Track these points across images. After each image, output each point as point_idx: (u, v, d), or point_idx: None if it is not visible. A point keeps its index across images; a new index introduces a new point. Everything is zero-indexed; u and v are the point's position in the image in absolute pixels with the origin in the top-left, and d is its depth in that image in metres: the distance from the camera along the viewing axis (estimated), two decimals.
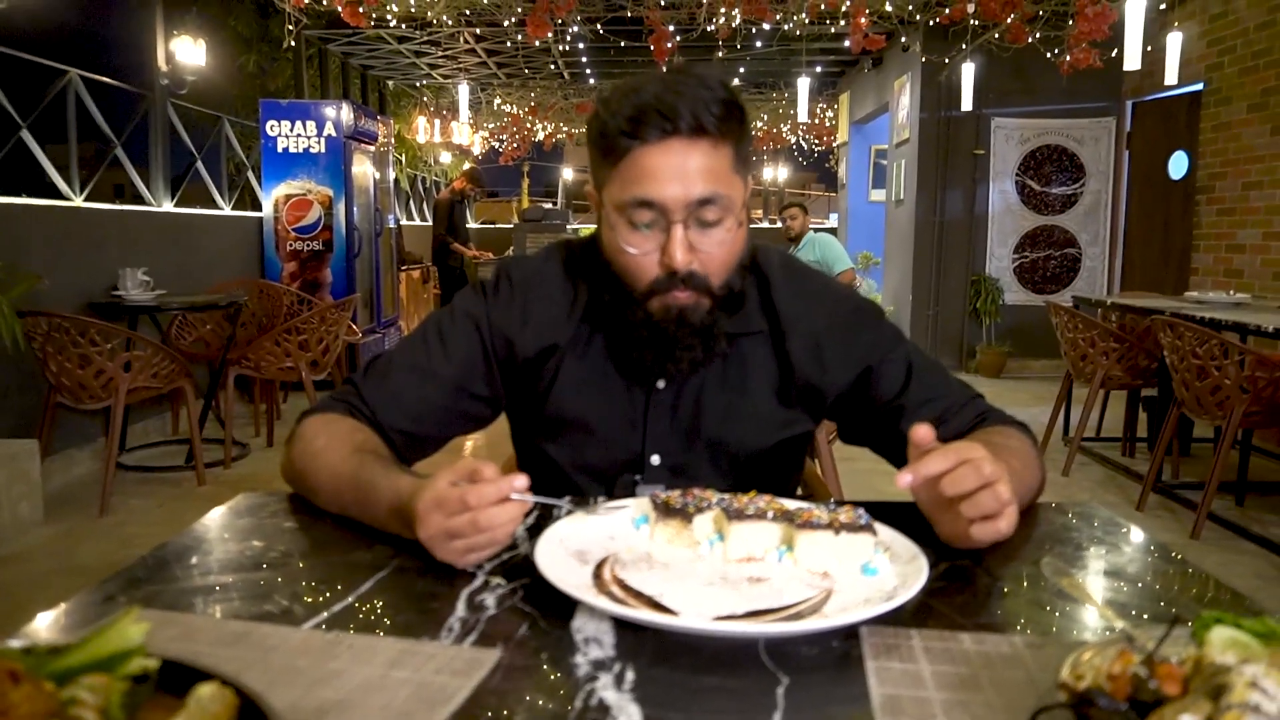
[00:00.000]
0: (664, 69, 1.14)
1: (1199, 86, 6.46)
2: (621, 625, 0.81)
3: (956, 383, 1.31)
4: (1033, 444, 1.22)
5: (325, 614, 0.84)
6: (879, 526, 0.95)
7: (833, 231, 12.46)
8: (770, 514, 0.95)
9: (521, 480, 0.92)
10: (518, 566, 0.96)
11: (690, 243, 1.13)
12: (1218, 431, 3.75)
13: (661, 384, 1.26)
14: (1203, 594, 0.92)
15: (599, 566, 0.91)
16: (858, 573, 0.90)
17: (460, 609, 0.85)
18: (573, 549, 0.96)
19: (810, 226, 7.15)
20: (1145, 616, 0.85)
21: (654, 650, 0.77)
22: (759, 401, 1.28)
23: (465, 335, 1.27)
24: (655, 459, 1.28)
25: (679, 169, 1.10)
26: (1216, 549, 3.60)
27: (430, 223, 9.25)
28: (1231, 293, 5.00)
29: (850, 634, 0.80)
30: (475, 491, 0.90)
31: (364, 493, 1.05)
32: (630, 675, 0.73)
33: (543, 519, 1.10)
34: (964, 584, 0.93)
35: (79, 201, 5.15)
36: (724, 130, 1.11)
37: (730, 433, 1.28)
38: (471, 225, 11.25)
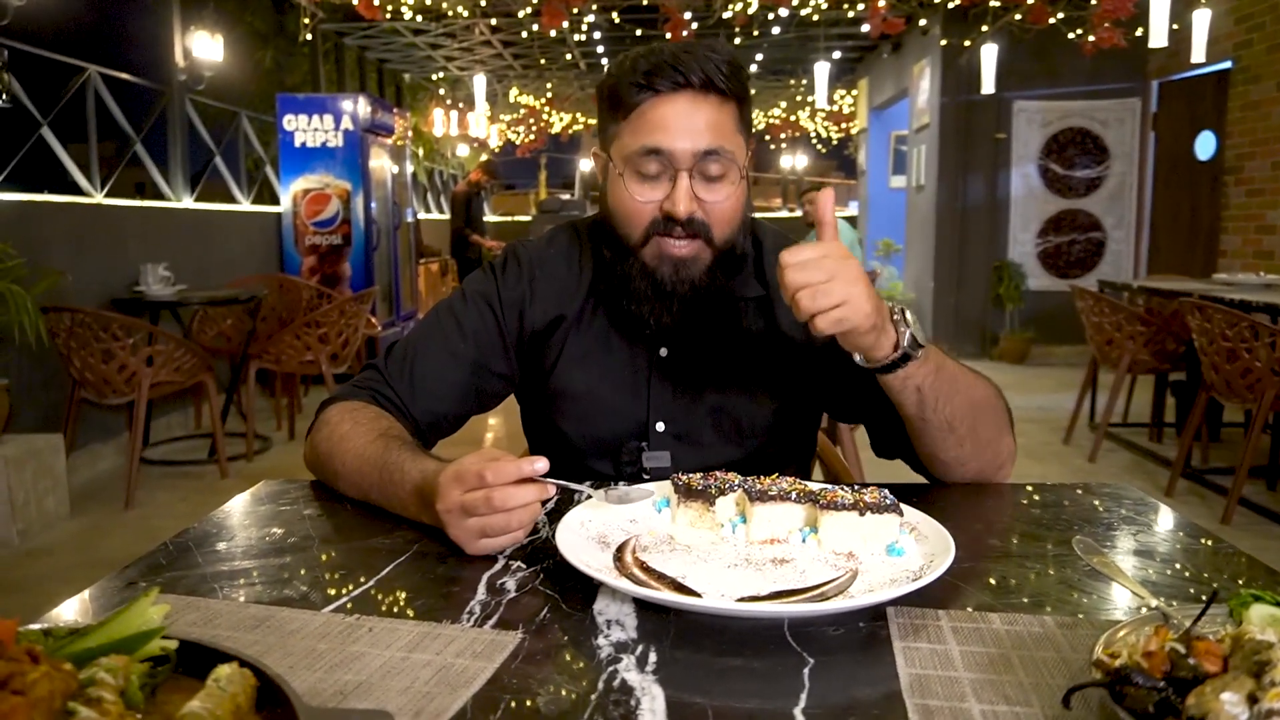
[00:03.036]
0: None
1: (1227, 65, 6.35)
2: (644, 607, 0.80)
3: None
4: (1002, 398, 1.19)
5: (345, 599, 0.84)
6: (904, 507, 0.94)
7: (852, 220, 12.37)
8: (794, 495, 0.94)
9: (542, 463, 0.91)
10: (538, 550, 0.95)
11: (695, 194, 1.16)
12: (1248, 415, 3.69)
13: (664, 351, 1.29)
14: (1238, 573, 0.90)
15: (620, 549, 0.91)
16: (883, 553, 0.89)
17: (481, 592, 0.85)
18: (594, 532, 0.95)
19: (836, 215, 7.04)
20: (1179, 597, 0.83)
21: (677, 632, 0.76)
22: (756, 367, 1.30)
23: (479, 314, 1.31)
24: (660, 425, 1.29)
25: (688, 120, 1.14)
26: (1248, 534, 3.55)
27: (448, 216, 9.27)
28: (1262, 274, 4.91)
29: (877, 615, 0.78)
30: (494, 467, 0.91)
31: (389, 475, 1.06)
32: (653, 657, 0.72)
33: (563, 504, 1.09)
34: (993, 564, 0.92)
35: (100, 198, 5.19)
36: (731, 89, 1.16)
37: (730, 397, 1.29)
38: (489, 218, 11.26)
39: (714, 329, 1.28)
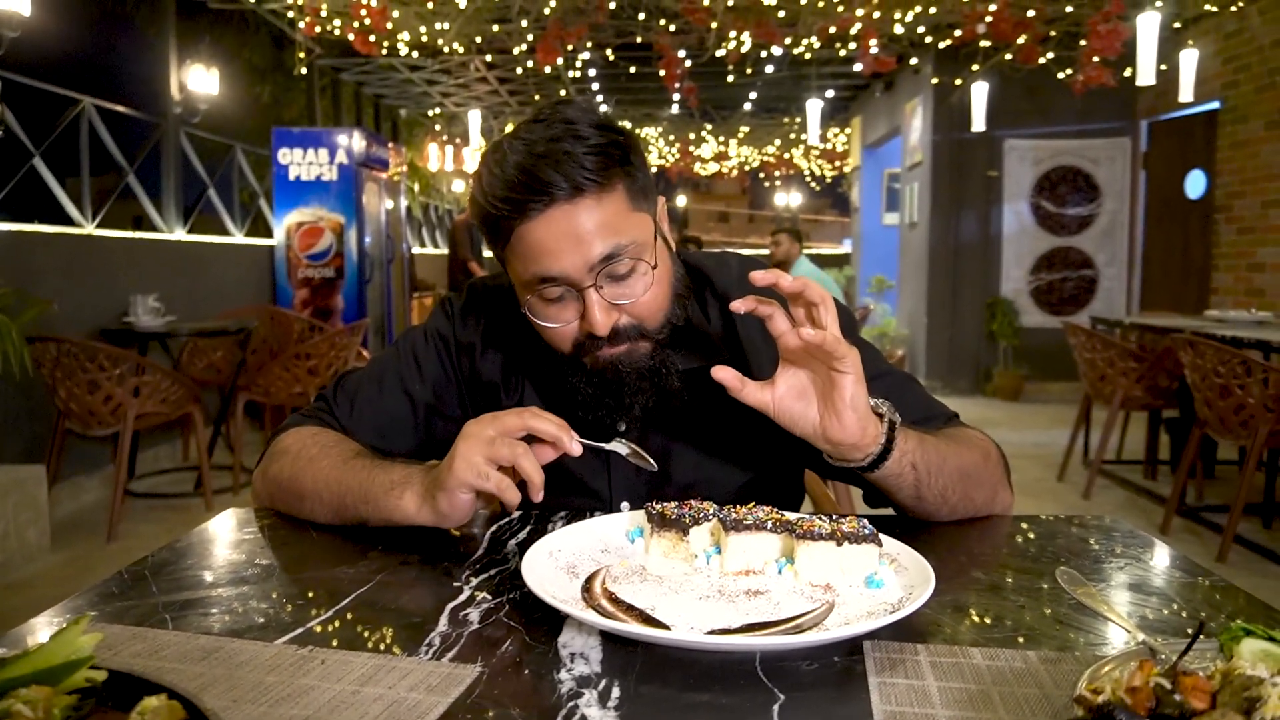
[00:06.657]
0: (539, 117, 1.04)
1: (1215, 105, 6.41)
2: (610, 640, 0.77)
3: (934, 401, 1.22)
4: (995, 451, 1.15)
5: (301, 629, 0.80)
6: (884, 538, 0.91)
7: (845, 258, 12.40)
8: (770, 525, 0.91)
9: (576, 446, 0.97)
10: (505, 581, 0.92)
11: (609, 302, 1.06)
12: (1242, 452, 3.67)
13: (623, 427, 1.18)
14: (1230, 607, 0.87)
15: (590, 580, 0.87)
16: (862, 585, 0.85)
17: (442, 624, 0.81)
18: (563, 563, 0.92)
19: (805, 252, 6.84)
20: (1172, 634, 0.80)
21: (644, 666, 0.72)
22: (734, 438, 1.19)
23: (435, 355, 1.25)
24: (625, 505, 1.19)
25: (570, 236, 1.01)
26: (1244, 573, 3.50)
27: (444, 249, 9.28)
28: (1253, 311, 4.91)
29: (853, 648, 0.75)
30: (534, 411, 0.97)
31: (378, 475, 1.04)
32: (616, 692, 0.68)
33: (534, 534, 1.06)
34: (975, 596, 0.88)
35: (91, 229, 5.18)
36: (605, 177, 1.02)
37: (702, 471, 1.21)
38: (486, 254, 11.28)
39: (680, 403, 1.16)
